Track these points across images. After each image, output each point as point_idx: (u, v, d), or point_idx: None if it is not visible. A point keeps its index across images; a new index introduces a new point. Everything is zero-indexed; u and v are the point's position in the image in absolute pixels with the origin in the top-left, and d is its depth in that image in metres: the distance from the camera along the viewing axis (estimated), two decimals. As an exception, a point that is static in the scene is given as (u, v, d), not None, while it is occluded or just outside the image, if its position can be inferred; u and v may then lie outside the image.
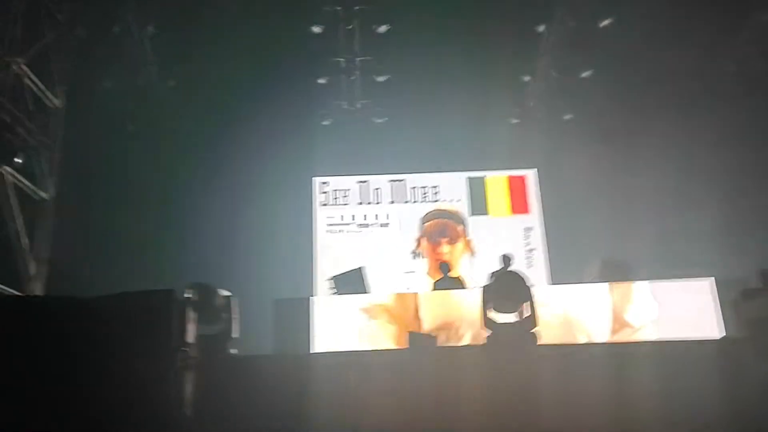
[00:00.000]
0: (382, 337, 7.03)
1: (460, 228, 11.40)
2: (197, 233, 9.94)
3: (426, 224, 11.45)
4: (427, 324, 7.13)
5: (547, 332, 6.58)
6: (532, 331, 5.26)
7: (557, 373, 4.92)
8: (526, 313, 5.36)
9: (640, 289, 7.71)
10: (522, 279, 5.55)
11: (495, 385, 4.78)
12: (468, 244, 11.29)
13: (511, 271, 5.82)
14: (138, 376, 3.31)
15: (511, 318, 5.35)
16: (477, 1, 9.55)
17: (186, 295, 4.03)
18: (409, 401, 4.78)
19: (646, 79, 10.05)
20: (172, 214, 9.97)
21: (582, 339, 7.36)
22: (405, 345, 6.73)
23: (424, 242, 11.35)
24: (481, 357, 5.12)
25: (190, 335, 3.81)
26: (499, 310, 5.34)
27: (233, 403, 4.44)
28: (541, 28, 9.93)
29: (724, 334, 7.14)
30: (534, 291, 5.58)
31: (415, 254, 11.27)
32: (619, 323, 7.53)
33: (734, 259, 8.84)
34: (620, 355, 5.27)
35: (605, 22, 9.52)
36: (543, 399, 4.69)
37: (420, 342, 5.16)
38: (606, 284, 7.96)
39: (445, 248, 11.27)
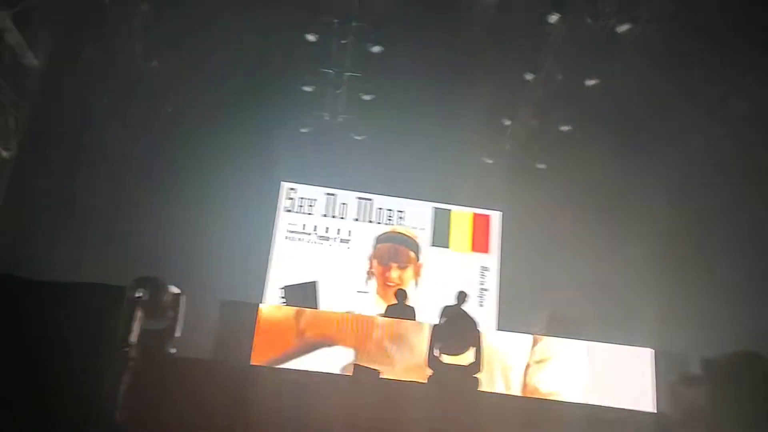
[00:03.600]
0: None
1: (411, 254, 11.48)
2: (158, 221, 9.73)
3: (379, 245, 11.47)
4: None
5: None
6: (475, 375, 5.29)
7: (494, 421, 4.96)
8: (471, 358, 5.38)
9: (582, 348, 7.81)
10: (473, 322, 5.59)
11: (431, 425, 4.79)
12: (417, 269, 11.36)
13: (463, 312, 5.85)
14: (74, 370, 3.21)
15: (456, 360, 5.37)
16: (471, 38, 9.69)
17: (137, 295, 3.93)
18: (346, 429, 4.75)
19: (623, 143, 10.29)
20: (134, 196, 9.77)
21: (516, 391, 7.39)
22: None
23: (375, 263, 11.37)
24: (422, 395, 5.13)
25: (134, 335, 3.72)
26: (446, 352, 5.35)
27: (167, 404, 4.35)
28: (529, 77, 10.09)
29: (656, 408, 7.28)
30: (482, 336, 5.62)
31: (369, 274, 11.28)
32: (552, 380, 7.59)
33: (676, 333, 9.04)
34: (557, 413, 5.35)
35: (591, 82, 9.74)
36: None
37: (363, 374, 5.12)
38: (549, 338, 8.06)
39: (394, 273, 11.31)
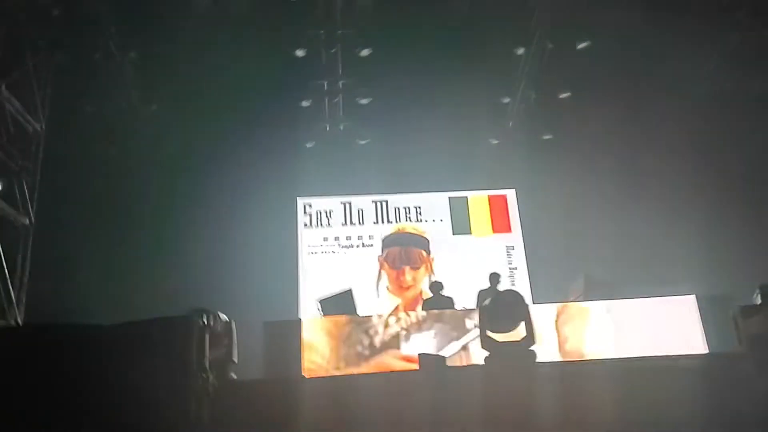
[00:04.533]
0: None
1: (423, 253, 11.34)
2: (181, 257, 9.82)
3: (387, 250, 11.32)
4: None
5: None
6: (531, 348, 5.31)
7: (558, 391, 4.98)
8: (523, 332, 5.40)
9: (624, 306, 7.85)
10: (519, 297, 5.61)
11: (497, 405, 4.82)
12: (429, 264, 11.28)
13: (508, 289, 5.88)
14: (159, 403, 3.28)
15: (509, 337, 5.40)
16: (456, 25, 9.73)
17: (201, 321, 4.01)
18: (409, 424, 4.79)
19: (622, 100, 10.31)
20: (155, 238, 9.86)
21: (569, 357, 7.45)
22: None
23: (386, 266, 11.27)
24: (484, 376, 5.16)
25: (207, 360, 3.80)
26: (496, 330, 5.37)
27: (239, 430, 4.40)
28: (520, 51, 10.13)
29: (707, 348, 7.32)
30: (530, 308, 5.64)
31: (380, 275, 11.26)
32: (601, 341, 7.64)
33: (713, 276, 9.04)
34: (617, 371, 5.37)
35: (582, 45, 9.77)
36: (545, 417, 4.74)
37: (430, 363, 5.16)
38: (589, 303, 8.09)
39: (408, 276, 11.19)
